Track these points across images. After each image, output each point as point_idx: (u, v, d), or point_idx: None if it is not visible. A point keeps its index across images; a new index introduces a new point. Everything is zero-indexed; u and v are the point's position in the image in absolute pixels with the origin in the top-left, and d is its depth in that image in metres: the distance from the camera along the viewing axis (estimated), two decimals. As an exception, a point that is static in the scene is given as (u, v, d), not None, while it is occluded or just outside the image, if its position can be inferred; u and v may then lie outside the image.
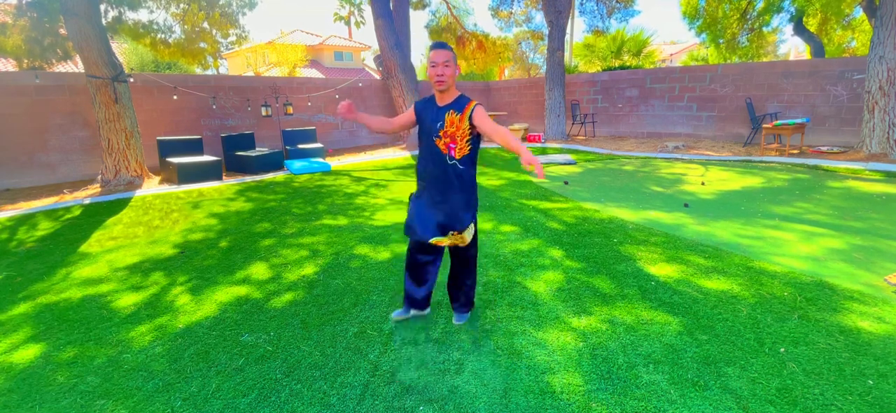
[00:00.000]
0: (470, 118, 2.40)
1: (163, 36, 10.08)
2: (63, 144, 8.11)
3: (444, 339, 2.64)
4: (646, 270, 3.50)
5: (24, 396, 2.26)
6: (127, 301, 3.30)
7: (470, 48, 14.69)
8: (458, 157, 2.45)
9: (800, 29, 15.08)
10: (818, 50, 14.71)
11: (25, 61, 9.01)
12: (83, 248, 4.55)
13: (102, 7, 8.35)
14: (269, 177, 8.02)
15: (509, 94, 15.73)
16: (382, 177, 7.99)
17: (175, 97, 9.33)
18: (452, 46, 14.79)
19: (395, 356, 2.49)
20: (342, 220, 5.24)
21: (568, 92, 13.41)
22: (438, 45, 2.41)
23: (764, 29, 16.05)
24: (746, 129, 10.46)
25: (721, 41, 15.98)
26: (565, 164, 8.76)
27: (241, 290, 3.42)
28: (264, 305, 3.16)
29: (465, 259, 2.66)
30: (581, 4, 16.49)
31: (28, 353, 2.64)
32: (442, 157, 2.47)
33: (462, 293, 2.77)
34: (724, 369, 2.27)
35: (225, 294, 3.36)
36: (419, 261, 2.68)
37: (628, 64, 18.13)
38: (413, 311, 2.84)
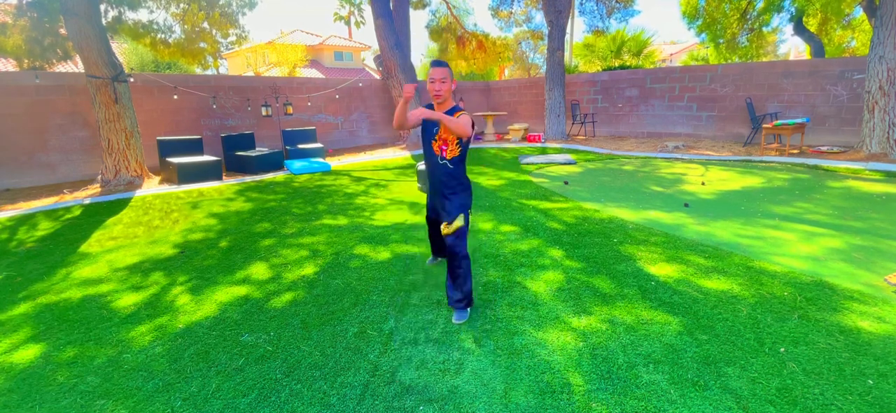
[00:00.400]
0: None
1: (163, 36, 10.08)
2: (63, 144, 8.11)
3: (444, 339, 2.64)
4: (646, 270, 3.50)
5: (24, 396, 2.26)
6: (127, 301, 3.30)
7: (470, 48, 14.69)
8: (448, 158, 2.83)
9: (800, 29, 15.08)
10: (818, 50, 14.70)
11: (26, 61, 9.01)
12: (83, 248, 4.55)
13: (102, 7, 8.35)
14: (269, 177, 8.02)
15: (509, 94, 15.73)
16: (382, 177, 7.99)
17: (175, 97, 9.33)
18: (452, 46, 14.85)
19: (395, 356, 2.49)
20: (342, 220, 5.24)
21: (568, 92, 13.41)
22: (436, 64, 2.76)
23: (764, 29, 16.04)
24: (746, 128, 10.46)
25: (721, 41, 15.97)
26: (565, 163, 8.76)
27: (241, 290, 3.42)
28: (264, 305, 3.16)
29: (449, 248, 2.84)
30: (581, 4, 16.48)
31: (28, 353, 2.64)
32: (435, 157, 2.86)
33: (456, 289, 2.85)
34: (724, 369, 2.27)
35: (225, 294, 3.36)
36: (432, 231, 3.41)
37: (628, 64, 18.13)
38: (440, 258, 3.68)
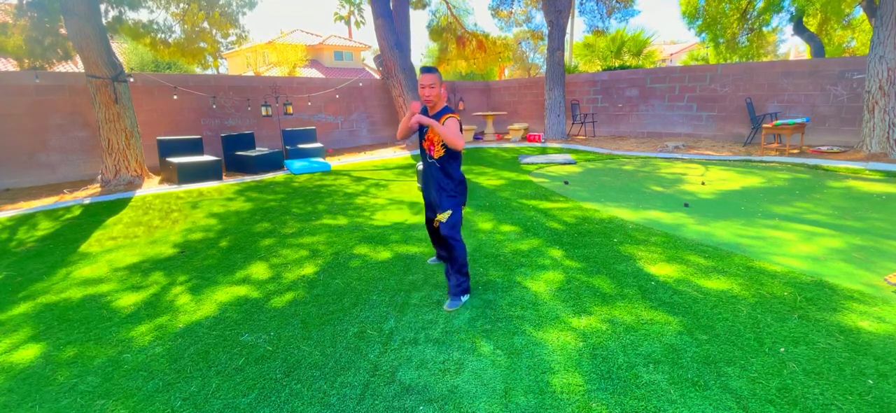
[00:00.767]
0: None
1: (163, 36, 10.08)
2: (63, 144, 8.11)
3: (444, 339, 2.65)
4: (646, 270, 3.50)
5: (24, 396, 2.26)
6: (127, 301, 3.30)
7: (470, 48, 14.68)
8: (435, 157, 3.00)
9: (800, 29, 15.08)
10: (818, 50, 14.70)
11: (26, 61, 9.01)
12: (83, 247, 4.55)
13: (102, 7, 8.35)
14: (268, 177, 8.02)
15: (509, 93, 15.73)
16: (382, 177, 7.99)
17: (175, 97, 9.33)
18: (452, 46, 14.83)
19: (395, 356, 2.49)
20: (342, 220, 5.24)
21: (568, 92, 13.41)
22: (425, 70, 2.92)
23: (764, 29, 16.04)
24: (746, 128, 10.45)
25: (721, 41, 15.96)
26: (565, 163, 8.76)
27: (241, 290, 3.42)
28: (264, 305, 3.16)
29: (442, 238, 3.00)
30: (581, 4, 16.48)
31: (28, 353, 2.64)
32: (426, 155, 3.07)
33: (450, 275, 3.05)
34: (724, 369, 2.27)
35: (225, 294, 3.36)
36: (430, 231, 3.47)
37: (628, 64, 18.13)
38: (441, 258, 3.71)
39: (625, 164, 8.68)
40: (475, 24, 28.25)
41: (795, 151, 8.80)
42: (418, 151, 10.52)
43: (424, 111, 3.00)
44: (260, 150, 8.88)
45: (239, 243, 4.55)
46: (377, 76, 16.98)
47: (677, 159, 8.89)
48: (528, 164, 8.91)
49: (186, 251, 4.37)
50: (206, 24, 10.45)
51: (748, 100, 9.98)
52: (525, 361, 2.39)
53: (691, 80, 11.41)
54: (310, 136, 10.28)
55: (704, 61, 21.09)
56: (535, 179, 7.35)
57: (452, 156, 2.97)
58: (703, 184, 6.60)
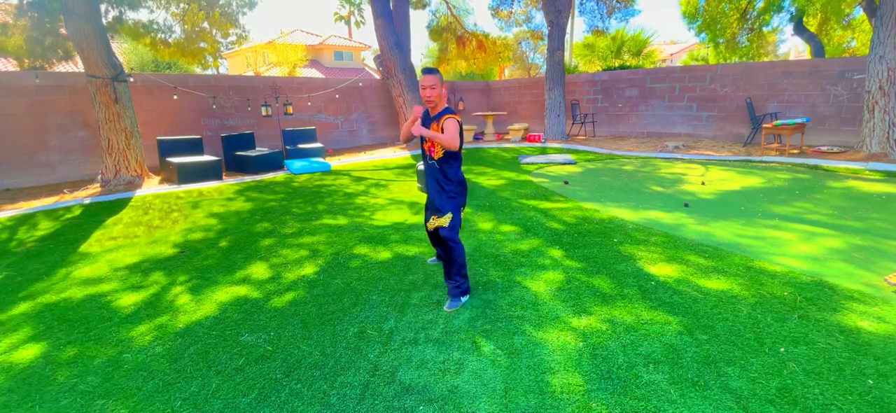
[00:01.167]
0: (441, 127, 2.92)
1: (163, 36, 10.09)
2: (63, 144, 8.11)
3: (444, 339, 2.65)
4: (646, 270, 3.50)
5: (24, 396, 2.26)
6: (127, 301, 3.30)
7: (470, 48, 14.67)
8: (435, 158, 3.00)
9: (800, 29, 15.07)
10: (818, 50, 14.70)
11: (26, 61, 9.01)
12: (83, 247, 4.55)
13: (102, 7, 8.36)
14: (268, 177, 8.02)
15: (509, 93, 15.73)
16: (382, 177, 7.99)
17: (175, 97, 9.33)
18: (452, 46, 14.83)
19: (395, 356, 2.49)
20: (342, 220, 5.24)
21: (568, 92, 13.41)
22: (426, 71, 2.92)
23: (764, 29, 16.03)
24: (746, 128, 10.45)
25: (721, 41, 15.96)
26: (565, 163, 8.76)
27: (241, 290, 3.42)
28: (264, 305, 3.16)
29: (442, 239, 3.01)
30: (581, 4, 16.48)
31: (28, 353, 2.64)
32: (426, 156, 3.09)
33: (448, 276, 3.04)
34: (724, 369, 2.27)
35: (225, 294, 3.36)
36: (429, 231, 3.38)
37: (628, 64, 18.13)
38: (441, 258, 3.62)
39: (625, 164, 8.68)
40: (475, 24, 28.27)
41: (795, 151, 8.80)
42: (418, 151, 10.54)
43: (425, 115, 3.04)
44: (260, 150, 8.88)
45: (239, 243, 4.55)
46: (377, 76, 16.98)
47: (677, 159, 8.89)
48: (528, 164, 8.91)
49: (186, 251, 4.37)
50: (206, 24, 10.46)
51: (748, 100, 9.98)
52: (525, 361, 2.39)
53: (691, 80, 11.41)
54: (310, 136, 10.28)
55: (704, 61, 21.09)
56: (535, 179, 7.35)
57: (453, 157, 2.99)
58: (703, 184, 6.60)
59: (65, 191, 7.10)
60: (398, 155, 10.49)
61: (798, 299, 2.96)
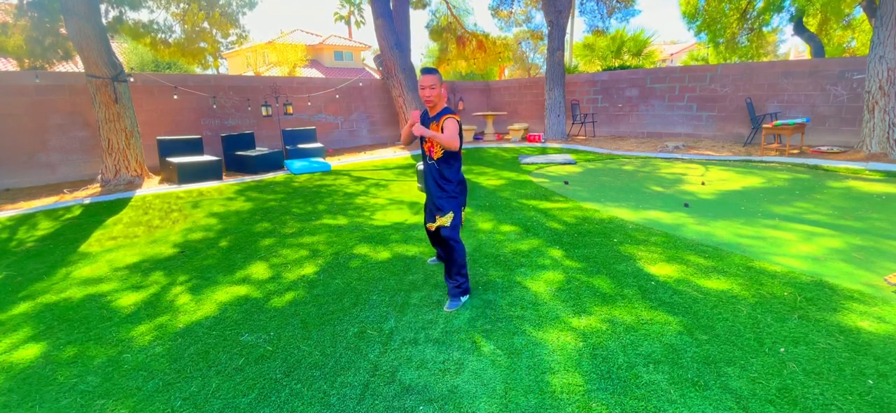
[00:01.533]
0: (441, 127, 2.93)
1: (163, 36, 10.09)
2: (63, 144, 8.11)
3: (444, 339, 2.65)
4: (646, 270, 3.50)
5: (24, 396, 2.26)
6: (127, 301, 3.30)
7: (470, 48, 14.67)
8: (435, 158, 3.01)
9: (800, 29, 15.07)
10: (818, 50, 14.70)
11: (26, 61, 9.01)
12: (83, 247, 4.55)
13: (102, 7, 8.35)
14: (268, 176, 8.02)
15: (509, 93, 15.73)
16: (382, 176, 7.99)
17: (175, 97, 9.33)
18: (452, 46, 14.83)
19: (395, 356, 2.49)
20: (342, 220, 5.24)
21: (568, 92, 13.41)
22: (425, 71, 2.92)
23: (764, 29, 16.03)
24: (746, 128, 10.45)
25: (721, 41, 15.96)
26: (565, 163, 8.76)
27: (241, 290, 3.42)
28: (264, 305, 3.16)
29: (443, 239, 3.01)
30: (581, 4, 16.48)
31: (28, 353, 2.64)
32: (426, 156, 3.09)
33: (449, 276, 3.05)
34: (724, 369, 2.27)
35: (225, 294, 3.36)
36: (429, 232, 3.41)
37: (628, 64, 18.14)
38: (441, 258, 3.66)
39: (625, 164, 8.68)
40: (475, 24, 28.28)
41: (795, 151, 8.80)
42: (418, 152, 10.55)
43: (425, 116, 3.04)
44: (260, 150, 8.88)
45: (239, 243, 4.55)
46: (377, 76, 16.97)
47: (677, 159, 8.89)
48: (528, 164, 8.91)
49: (186, 251, 4.37)
50: (206, 24, 10.46)
51: (748, 100, 9.98)
52: (525, 361, 2.39)
53: (691, 80, 11.41)
54: (310, 136, 10.28)
55: (704, 61, 21.09)
56: (535, 179, 7.35)
57: (452, 156, 2.99)
58: (703, 184, 6.60)
59: (65, 191, 7.10)
60: (398, 155, 10.49)
61: (798, 299, 2.96)
